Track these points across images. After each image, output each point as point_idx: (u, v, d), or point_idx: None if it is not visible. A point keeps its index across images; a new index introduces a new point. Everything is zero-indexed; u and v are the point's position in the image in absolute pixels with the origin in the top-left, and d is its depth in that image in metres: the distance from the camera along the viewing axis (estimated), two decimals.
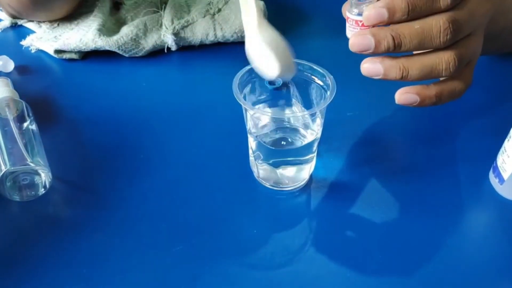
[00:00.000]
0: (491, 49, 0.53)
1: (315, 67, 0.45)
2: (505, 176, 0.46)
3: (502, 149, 0.46)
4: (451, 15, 0.40)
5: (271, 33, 0.41)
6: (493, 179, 0.48)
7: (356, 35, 0.39)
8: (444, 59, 0.41)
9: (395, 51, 0.40)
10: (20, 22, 0.70)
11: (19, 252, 0.42)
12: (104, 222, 0.45)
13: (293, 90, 0.47)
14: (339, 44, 0.68)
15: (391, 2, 0.39)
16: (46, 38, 0.65)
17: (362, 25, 0.40)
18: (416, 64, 0.41)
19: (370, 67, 0.41)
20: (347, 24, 0.41)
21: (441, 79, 0.45)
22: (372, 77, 0.42)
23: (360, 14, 0.40)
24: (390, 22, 0.39)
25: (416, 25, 0.39)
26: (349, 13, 0.41)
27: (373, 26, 0.40)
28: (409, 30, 0.39)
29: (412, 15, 0.39)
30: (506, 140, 0.46)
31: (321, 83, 0.45)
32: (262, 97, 0.47)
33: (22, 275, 0.41)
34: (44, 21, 0.68)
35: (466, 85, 0.45)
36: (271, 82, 0.47)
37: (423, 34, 0.39)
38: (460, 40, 0.42)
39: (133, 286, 0.40)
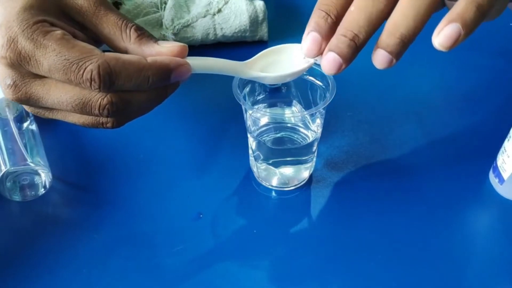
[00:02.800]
0: None
1: (315, 67, 0.45)
2: (505, 176, 0.46)
3: (502, 149, 0.46)
4: None
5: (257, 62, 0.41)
6: (493, 179, 0.48)
7: (322, 61, 0.36)
8: None
9: (360, 44, 0.35)
10: None
11: (19, 252, 0.42)
12: (104, 222, 0.45)
13: (293, 90, 0.47)
14: None
15: (312, 21, 0.36)
16: None
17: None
18: (406, 14, 0.34)
19: (379, 58, 0.35)
20: None
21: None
22: (388, 65, 0.35)
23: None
24: (326, 35, 0.35)
25: (351, 7, 0.35)
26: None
27: (321, 53, 0.36)
28: (350, 17, 0.34)
29: (335, 13, 0.35)
30: (506, 140, 0.46)
31: (321, 83, 0.45)
32: (262, 97, 0.47)
33: (22, 275, 0.41)
34: None
35: None
36: None
37: (364, 6, 0.34)
38: None
39: (133, 286, 0.40)
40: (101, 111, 0.35)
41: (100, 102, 0.34)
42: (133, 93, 0.36)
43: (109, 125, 0.37)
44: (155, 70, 0.35)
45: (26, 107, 0.38)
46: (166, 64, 0.36)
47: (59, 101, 0.35)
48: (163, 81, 0.36)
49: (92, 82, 0.33)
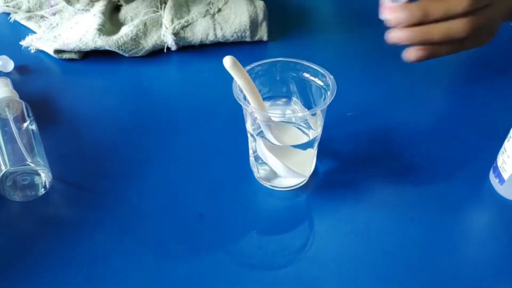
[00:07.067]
0: None
1: (315, 67, 0.45)
2: (505, 176, 0.46)
3: (502, 149, 0.46)
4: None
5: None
6: (493, 179, 0.48)
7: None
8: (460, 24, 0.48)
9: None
10: (17, 19, 0.70)
11: (19, 252, 0.42)
12: (104, 222, 0.45)
13: (294, 89, 0.47)
14: (339, 44, 0.68)
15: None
16: (46, 38, 0.65)
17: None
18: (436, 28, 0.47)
19: (398, 34, 0.47)
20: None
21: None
22: (400, 43, 0.48)
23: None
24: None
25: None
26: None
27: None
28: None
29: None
30: (506, 140, 0.46)
31: (321, 83, 0.45)
32: (262, 96, 0.47)
33: (22, 275, 0.41)
34: (43, 20, 0.68)
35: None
36: None
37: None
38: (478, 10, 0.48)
39: (133, 286, 0.40)
40: None
41: None
42: None
43: None
44: None
45: None
46: None
47: None
48: None
49: None
